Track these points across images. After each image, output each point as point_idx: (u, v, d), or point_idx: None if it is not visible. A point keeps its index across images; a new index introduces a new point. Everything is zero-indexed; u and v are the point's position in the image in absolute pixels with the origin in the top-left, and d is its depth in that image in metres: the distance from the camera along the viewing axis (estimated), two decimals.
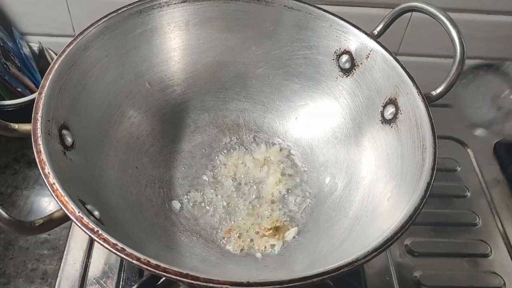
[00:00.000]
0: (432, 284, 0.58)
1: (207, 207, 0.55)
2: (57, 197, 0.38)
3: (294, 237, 0.53)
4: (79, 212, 0.37)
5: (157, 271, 0.35)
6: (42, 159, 0.40)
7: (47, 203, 0.63)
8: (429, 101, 0.50)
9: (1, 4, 0.71)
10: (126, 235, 0.45)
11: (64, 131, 0.45)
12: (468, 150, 0.72)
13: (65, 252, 0.57)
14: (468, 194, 0.67)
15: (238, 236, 0.53)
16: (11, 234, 0.59)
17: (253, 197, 0.56)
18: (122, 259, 0.55)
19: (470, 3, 0.70)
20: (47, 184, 0.39)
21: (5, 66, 0.67)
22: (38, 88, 0.45)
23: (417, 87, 0.50)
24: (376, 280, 0.57)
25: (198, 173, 0.58)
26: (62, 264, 0.56)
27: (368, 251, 0.38)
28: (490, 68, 0.80)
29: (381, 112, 0.53)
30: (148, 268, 0.35)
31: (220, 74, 0.61)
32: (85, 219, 0.37)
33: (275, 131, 0.62)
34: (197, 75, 0.60)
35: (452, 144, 0.73)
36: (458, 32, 0.50)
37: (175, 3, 0.56)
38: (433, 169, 0.44)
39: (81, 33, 0.50)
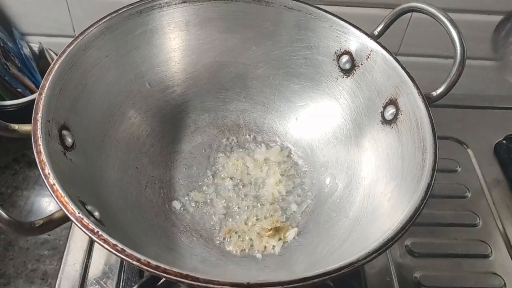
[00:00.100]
0: (433, 285, 0.58)
1: (208, 208, 0.55)
2: (57, 198, 0.38)
3: (294, 238, 0.53)
4: (79, 213, 0.37)
5: (157, 272, 0.35)
6: (42, 160, 0.40)
7: (47, 204, 0.63)
8: (430, 101, 0.50)
9: (1, 4, 0.71)
10: (126, 236, 0.45)
11: (64, 132, 0.45)
12: (468, 150, 0.72)
13: (65, 253, 0.57)
14: (469, 194, 0.67)
15: (238, 237, 0.53)
16: (11, 235, 0.59)
17: (253, 197, 0.56)
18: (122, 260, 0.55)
19: (470, 3, 0.70)
20: (47, 185, 0.39)
21: (5, 66, 0.67)
22: (38, 89, 0.45)
23: (418, 88, 0.50)
24: (377, 280, 0.57)
25: (198, 174, 0.58)
26: (62, 265, 0.56)
27: (368, 252, 0.38)
28: None
29: (381, 112, 0.53)
30: (148, 269, 0.35)
31: (220, 75, 0.61)
32: (85, 220, 0.37)
33: (275, 132, 0.62)
34: (197, 76, 0.60)
35: (452, 144, 0.73)
36: (459, 33, 0.50)
37: (175, 4, 0.56)
38: (433, 170, 0.44)
39: (81, 34, 0.50)
